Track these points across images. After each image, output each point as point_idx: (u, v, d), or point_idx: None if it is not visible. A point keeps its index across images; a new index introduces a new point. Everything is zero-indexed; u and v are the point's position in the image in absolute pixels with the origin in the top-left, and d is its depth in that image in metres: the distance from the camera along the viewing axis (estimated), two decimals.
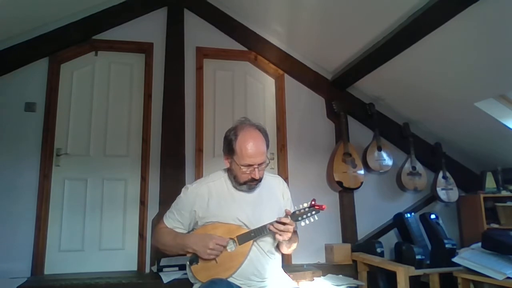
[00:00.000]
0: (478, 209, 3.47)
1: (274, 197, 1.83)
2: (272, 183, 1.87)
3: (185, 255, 1.72)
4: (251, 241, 1.66)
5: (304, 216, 1.67)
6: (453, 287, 2.75)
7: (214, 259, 1.64)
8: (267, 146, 1.71)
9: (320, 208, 1.68)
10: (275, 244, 1.77)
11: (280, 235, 1.61)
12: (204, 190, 1.76)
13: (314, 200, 1.69)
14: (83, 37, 3.31)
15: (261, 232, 1.66)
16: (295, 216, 1.66)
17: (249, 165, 1.64)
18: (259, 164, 1.66)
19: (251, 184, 1.70)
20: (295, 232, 1.72)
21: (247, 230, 1.67)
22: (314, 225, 1.71)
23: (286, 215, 1.65)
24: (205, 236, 1.65)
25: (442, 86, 3.17)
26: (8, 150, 3.03)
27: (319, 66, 3.78)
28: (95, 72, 3.39)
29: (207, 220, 1.71)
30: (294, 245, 1.80)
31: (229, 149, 1.69)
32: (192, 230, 1.79)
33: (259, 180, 1.71)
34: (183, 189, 1.82)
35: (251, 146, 1.63)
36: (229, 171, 1.78)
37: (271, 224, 1.63)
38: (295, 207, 1.71)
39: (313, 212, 1.68)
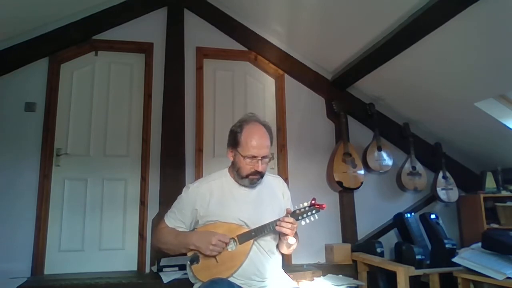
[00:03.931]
0: (478, 209, 3.47)
1: (275, 196, 1.84)
2: (272, 183, 1.88)
3: (185, 254, 1.72)
4: (252, 240, 1.66)
5: (305, 215, 1.68)
6: (453, 287, 2.75)
7: (215, 256, 1.64)
8: (271, 143, 1.74)
9: (321, 207, 1.69)
10: (275, 243, 1.78)
11: (286, 233, 1.62)
12: (206, 189, 1.77)
13: (314, 199, 1.70)
14: (83, 37, 3.31)
15: (261, 231, 1.66)
16: (295, 215, 1.67)
17: (253, 157, 1.67)
18: (263, 157, 1.68)
19: (253, 177, 1.71)
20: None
21: (247, 230, 1.67)
22: (314, 225, 1.71)
23: (287, 214, 1.66)
24: (208, 232, 1.66)
25: (442, 86, 3.17)
26: (8, 150, 3.03)
27: (319, 66, 3.78)
28: (95, 72, 3.39)
29: (208, 219, 1.72)
30: (294, 245, 1.80)
31: (234, 141, 1.72)
32: (193, 229, 1.79)
33: (261, 174, 1.72)
34: (184, 189, 1.82)
35: (256, 138, 1.67)
36: (231, 166, 1.79)
37: (277, 224, 1.64)
38: (295, 206, 1.71)
39: (313, 211, 1.68)
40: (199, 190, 1.77)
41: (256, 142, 1.67)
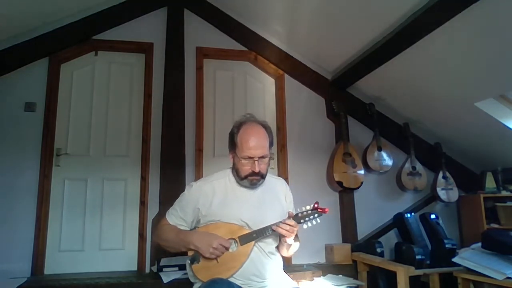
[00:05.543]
0: (478, 209, 3.47)
1: (277, 198, 1.84)
2: (275, 185, 1.88)
3: (186, 253, 1.72)
4: (253, 242, 1.66)
5: (307, 219, 1.68)
6: (453, 287, 2.75)
7: (215, 259, 1.64)
8: (271, 143, 1.74)
9: (323, 211, 1.69)
10: (276, 245, 1.78)
11: (285, 236, 1.62)
12: (209, 188, 1.77)
13: (317, 203, 1.70)
14: (83, 37, 3.31)
15: (263, 233, 1.66)
16: (297, 218, 1.67)
17: (249, 158, 1.66)
18: (260, 158, 1.67)
19: (253, 178, 1.71)
20: (295, 235, 1.73)
21: (249, 231, 1.68)
22: (314, 225, 1.71)
23: (289, 217, 1.66)
24: (210, 235, 1.65)
25: (442, 86, 3.17)
26: (8, 150, 3.03)
27: (319, 66, 3.78)
28: (95, 72, 3.39)
29: (210, 219, 1.72)
30: (295, 248, 1.80)
31: (232, 143, 1.73)
32: (194, 228, 1.79)
33: (260, 174, 1.71)
34: (187, 187, 1.83)
35: (252, 139, 1.67)
36: (232, 167, 1.79)
37: (277, 225, 1.64)
38: (298, 209, 1.71)
39: (316, 215, 1.69)
40: (202, 189, 1.77)
41: (252, 142, 1.66)
